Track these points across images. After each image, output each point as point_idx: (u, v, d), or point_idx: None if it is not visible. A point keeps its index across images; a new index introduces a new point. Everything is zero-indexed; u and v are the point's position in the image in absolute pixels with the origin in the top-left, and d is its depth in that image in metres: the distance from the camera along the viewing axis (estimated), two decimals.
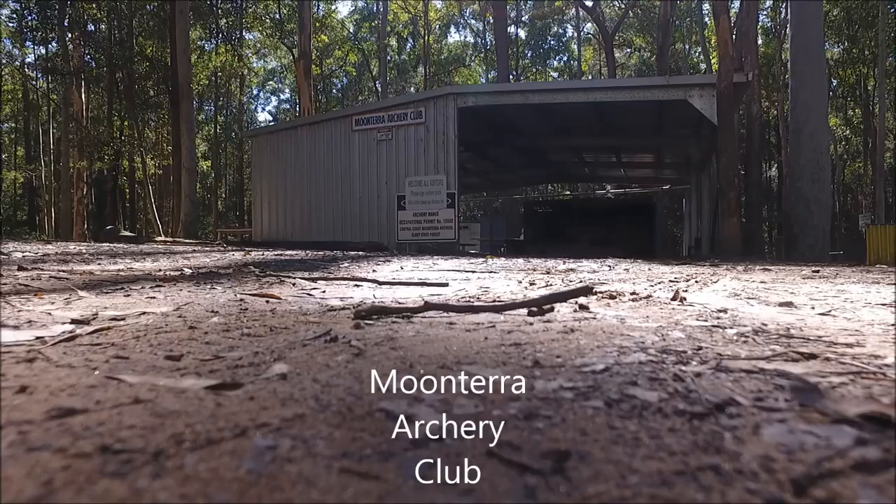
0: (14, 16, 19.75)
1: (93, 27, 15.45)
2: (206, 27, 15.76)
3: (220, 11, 15.97)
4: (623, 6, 42.56)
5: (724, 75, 10.69)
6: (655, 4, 38.60)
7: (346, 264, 5.30)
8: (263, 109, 72.98)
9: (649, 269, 4.82)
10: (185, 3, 13.62)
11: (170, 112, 14.16)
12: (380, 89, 34.76)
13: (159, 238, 12.15)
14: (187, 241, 11.95)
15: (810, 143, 10.59)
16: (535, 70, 51.15)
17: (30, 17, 15.23)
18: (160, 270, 3.84)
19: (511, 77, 43.66)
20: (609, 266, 5.21)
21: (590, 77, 52.63)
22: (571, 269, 4.54)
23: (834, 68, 29.79)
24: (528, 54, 51.39)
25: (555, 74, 53.39)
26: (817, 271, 4.73)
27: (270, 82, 58.30)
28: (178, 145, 13.76)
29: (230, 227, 20.01)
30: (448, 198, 14.04)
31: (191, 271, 3.80)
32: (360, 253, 8.88)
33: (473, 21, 49.26)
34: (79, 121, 21.41)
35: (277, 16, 20.84)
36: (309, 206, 15.69)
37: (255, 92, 59.22)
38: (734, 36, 17.88)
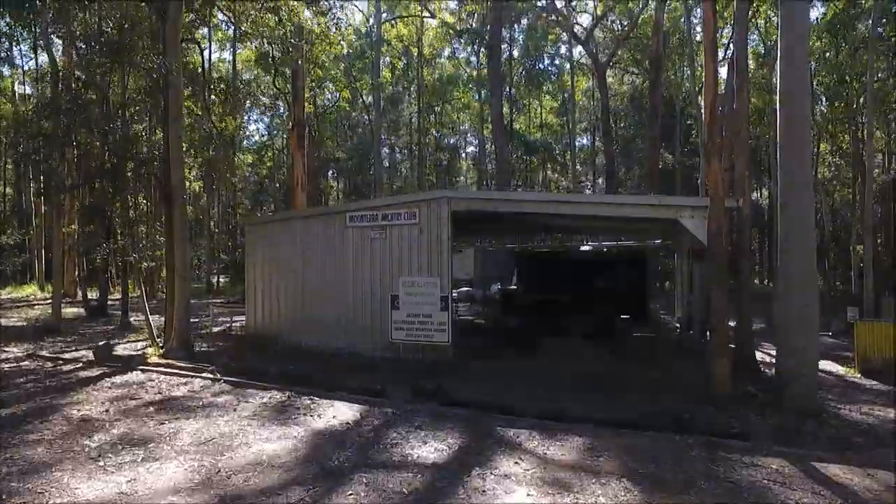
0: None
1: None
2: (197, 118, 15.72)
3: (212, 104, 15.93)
4: (617, 33, 42.47)
5: (715, 216, 10.76)
6: (647, 33, 38.64)
7: None
8: (256, 121, 72.20)
9: None
10: (177, 108, 13.52)
11: (163, 212, 14.16)
12: (374, 129, 34.68)
13: (152, 359, 12.16)
14: (180, 366, 11.92)
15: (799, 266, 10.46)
16: (528, 93, 51.08)
17: (32, 153, 15.19)
18: None
19: (505, 104, 43.63)
20: None
21: (584, 102, 52.75)
22: None
23: (823, 123, 30.02)
24: (522, 73, 51.19)
25: (547, 96, 53.40)
26: None
27: (264, 98, 57.88)
28: (172, 250, 13.70)
29: (226, 303, 19.90)
30: (441, 301, 14.15)
31: None
32: (350, 407, 8.80)
33: (467, 42, 48.96)
34: (69, 231, 21.38)
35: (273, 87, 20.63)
36: (302, 300, 15.73)
37: (247, 105, 58.68)
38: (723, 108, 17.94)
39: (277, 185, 59.59)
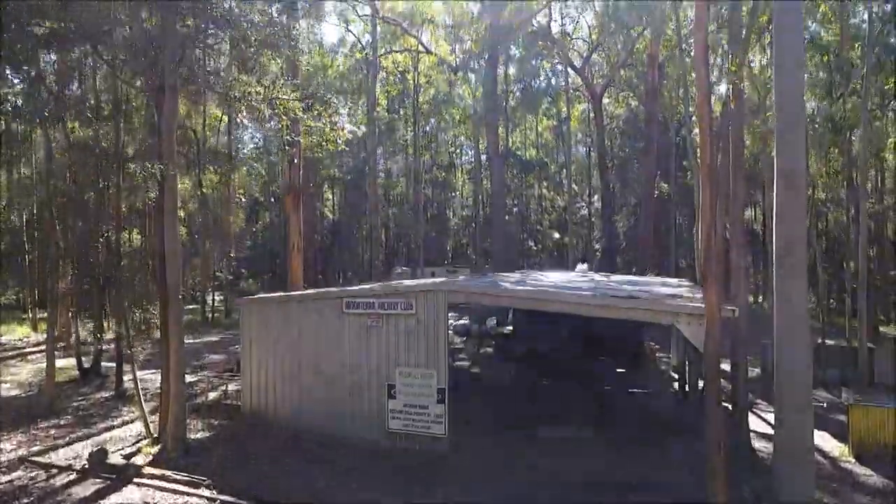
0: None
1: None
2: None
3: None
4: (613, 58, 42.29)
5: (712, 335, 10.71)
6: (644, 60, 38.49)
7: None
8: (251, 138, 71.45)
9: None
10: (172, 204, 13.35)
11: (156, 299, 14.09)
12: (369, 152, 34.56)
13: (147, 469, 12.08)
14: (175, 479, 11.85)
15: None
16: (524, 114, 50.88)
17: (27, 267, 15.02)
18: None
19: (501, 124, 43.50)
20: None
21: (581, 116, 52.65)
22: None
23: (815, 177, 29.92)
24: (519, 93, 50.90)
25: (544, 118, 53.26)
26: None
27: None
28: (167, 352, 13.57)
29: (218, 368, 19.79)
30: (438, 393, 14.12)
31: None
32: None
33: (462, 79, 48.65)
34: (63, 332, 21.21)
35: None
36: (300, 383, 15.63)
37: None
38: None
39: (273, 199, 59.44)
